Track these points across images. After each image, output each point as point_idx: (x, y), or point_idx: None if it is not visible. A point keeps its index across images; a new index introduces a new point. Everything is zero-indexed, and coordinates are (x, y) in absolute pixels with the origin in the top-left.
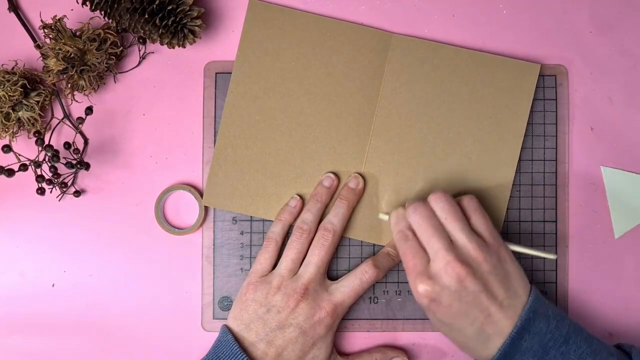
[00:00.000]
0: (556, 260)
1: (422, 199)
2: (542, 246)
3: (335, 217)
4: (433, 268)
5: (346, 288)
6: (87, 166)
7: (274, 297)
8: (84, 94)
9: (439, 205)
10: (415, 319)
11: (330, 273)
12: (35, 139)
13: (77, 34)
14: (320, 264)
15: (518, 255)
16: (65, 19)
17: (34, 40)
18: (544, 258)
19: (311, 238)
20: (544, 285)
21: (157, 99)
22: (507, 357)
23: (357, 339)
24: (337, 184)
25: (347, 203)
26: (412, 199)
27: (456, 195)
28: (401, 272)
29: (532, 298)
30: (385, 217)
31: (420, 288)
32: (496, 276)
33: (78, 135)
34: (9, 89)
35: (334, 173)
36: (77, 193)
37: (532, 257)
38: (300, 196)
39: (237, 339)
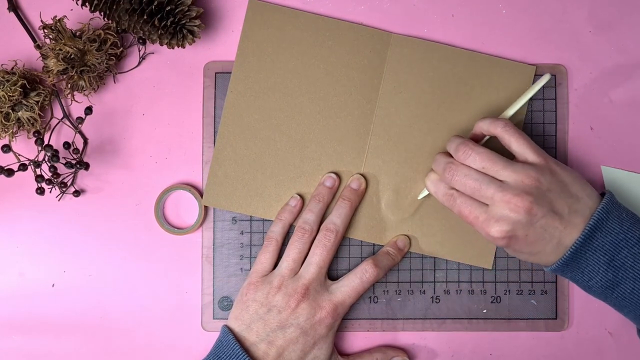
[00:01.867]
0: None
1: (445, 154)
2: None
3: (337, 218)
4: (496, 211)
5: (347, 288)
6: (86, 166)
7: (274, 297)
8: (84, 94)
9: (469, 158)
10: (415, 319)
11: (330, 273)
12: (34, 139)
13: (77, 34)
14: (322, 264)
15: None
16: (65, 20)
17: (34, 41)
18: (540, 86)
19: (313, 238)
20: (544, 285)
21: (157, 99)
22: (578, 255)
23: (357, 338)
24: (338, 184)
25: (350, 203)
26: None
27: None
28: (401, 272)
29: (606, 200)
30: (424, 193)
31: (494, 232)
32: (555, 192)
33: (78, 135)
34: (8, 89)
35: (335, 173)
36: (77, 193)
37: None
38: (301, 196)
39: (238, 339)
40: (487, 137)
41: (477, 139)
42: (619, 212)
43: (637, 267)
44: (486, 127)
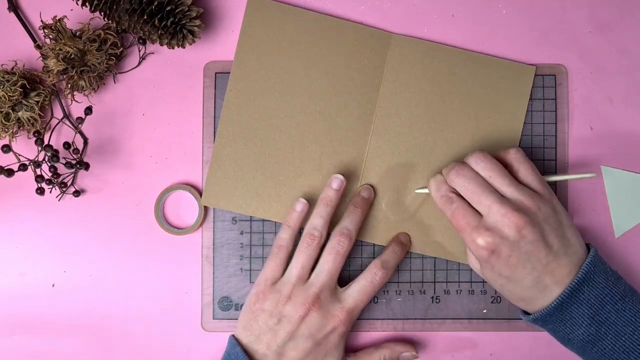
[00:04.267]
0: None
1: (459, 161)
2: None
3: (350, 224)
4: (489, 222)
5: (358, 293)
6: (86, 166)
7: (284, 307)
8: (84, 94)
9: (481, 165)
10: (415, 319)
11: None
12: (34, 139)
13: (77, 34)
14: (333, 271)
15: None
16: (65, 20)
17: (34, 41)
18: (583, 177)
19: (322, 244)
20: None
21: (157, 99)
22: (564, 307)
23: (357, 338)
24: (345, 186)
25: (361, 211)
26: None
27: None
28: (401, 272)
29: (593, 253)
30: (423, 191)
31: (480, 241)
32: (551, 225)
33: (78, 135)
34: (8, 89)
35: (342, 174)
36: (77, 193)
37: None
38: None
39: (246, 351)
40: None
41: None
42: (604, 267)
43: (620, 323)
44: (498, 156)
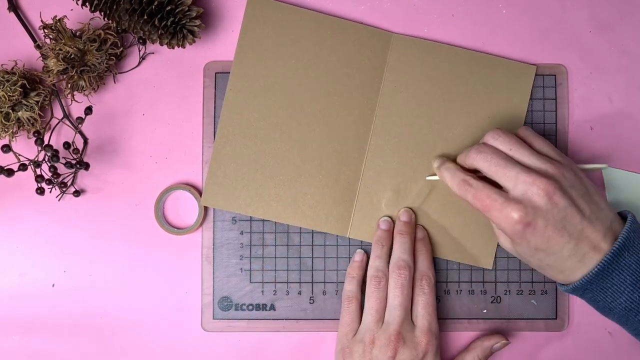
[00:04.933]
0: None
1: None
2: None
3: (404, 254)
4: (517, 193)
5: (423, 310)
6: (86, 166)
7: (372, 353)
8: (84, 94)
9: (499, 140)
10: None
11: (331, 274)
12: (34, 138)
13: (77, 34)
14: (405, 304)
15: None
16: (65, 20)
17: (34, 41)
18: (595, 168)
19: (387, 283)
20: (544, 285)
21: (157, 99)
22: (605, 274)
23: None
24: (393, 225)
25: (409, 237)
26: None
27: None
28: None
29: (631, 218)
30: (433, 178)
31: (514, 214)
32: (578, 191)
33: (78, 135)
34: (8, 89)
35: (389, 217)
36: (77, 193)
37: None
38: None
39: None
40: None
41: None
42: None
43: None
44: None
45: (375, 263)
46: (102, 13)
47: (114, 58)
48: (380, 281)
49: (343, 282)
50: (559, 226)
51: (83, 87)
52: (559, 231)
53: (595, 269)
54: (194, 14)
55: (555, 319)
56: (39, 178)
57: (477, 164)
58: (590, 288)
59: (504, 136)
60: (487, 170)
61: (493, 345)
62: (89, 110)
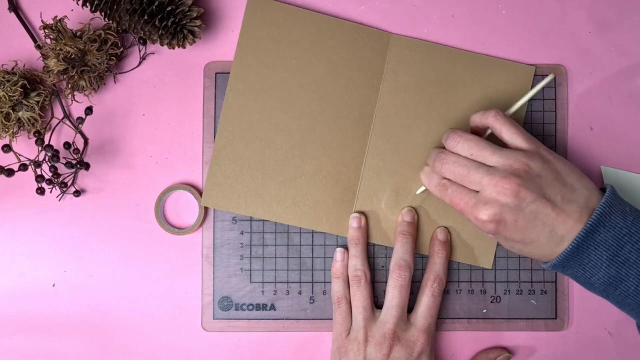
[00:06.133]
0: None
1: (439, 147)
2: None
3: (405, 254)
4: (485, 195)
5: (426, 311)
6: (87, 166)
7: (366, 350)
8: (84, 94)
9: (458, 146)
10: None
11: (330, 273)
12: (35, 139)
13: (78, 34)
14: (402, 304)
15: None
16: (65, 20)
17: (35, 41)
18: (544, 86)
19: (370, 279)
20: (544, 285)
21: (157, 99)
22: (580, 250)
23: None
24: (365, 222)
25: (411, 237)
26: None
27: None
28: None
29: (608, 194)
30: (422, 189)
31: (483, 215)
32: (546, 178)
33: (78, 135)
34: (9, 89)
35: (358, 212)
36: (77, 193)
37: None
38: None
39: None
40: (489, 132)
41: (477, 135)
42: (622, 207)
43: None
44: (478, 120)
45: (352, 262)
46: (103, 13)
47: (114, 58)
48: (361, 280)
49: None
50: (530, 218)
51: (83, 87)
52: (531, 222)
53: (570, 247)
54: (195, 14)
55: (555, 319)
56: (39, 178)
57: (442, 174)
58: (568, 265)
59: (463, 140)
60: (454, 179)
61: (496, 357)
62: (89, 110)
